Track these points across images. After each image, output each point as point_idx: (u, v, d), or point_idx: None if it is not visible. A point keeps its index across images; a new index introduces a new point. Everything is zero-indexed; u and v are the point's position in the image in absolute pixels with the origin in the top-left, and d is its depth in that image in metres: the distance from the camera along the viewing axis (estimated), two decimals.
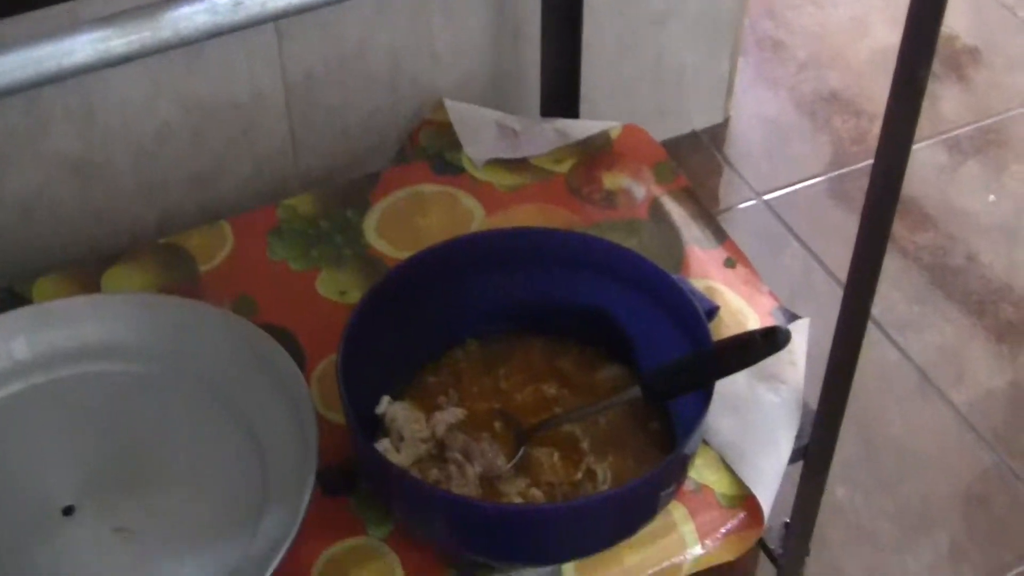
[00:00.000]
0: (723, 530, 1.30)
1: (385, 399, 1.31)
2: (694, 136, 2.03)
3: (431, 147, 1.67)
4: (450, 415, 1.31)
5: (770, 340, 1.22)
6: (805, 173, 1.99)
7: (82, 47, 1.16)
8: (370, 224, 1.56)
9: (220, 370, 1.35)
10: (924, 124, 2.04)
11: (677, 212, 1.57)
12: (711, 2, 1.89)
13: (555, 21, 1.63)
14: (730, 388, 1.33)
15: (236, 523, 1.24)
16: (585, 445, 1.31)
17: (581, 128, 1.68)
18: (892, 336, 1.76)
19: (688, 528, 1.28)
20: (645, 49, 1.87)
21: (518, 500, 1.26)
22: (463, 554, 1.23)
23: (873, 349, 1.73)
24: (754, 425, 1.35)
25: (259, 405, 1.32)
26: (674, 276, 1.34)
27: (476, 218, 1.57)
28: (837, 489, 1.58)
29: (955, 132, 2.07)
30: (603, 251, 1.36)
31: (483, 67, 1.74)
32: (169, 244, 1.53)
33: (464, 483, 1.25)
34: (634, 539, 1.25)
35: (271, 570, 1.16)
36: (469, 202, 1.59)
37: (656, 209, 1.58)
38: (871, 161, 1.12)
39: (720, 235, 1.55)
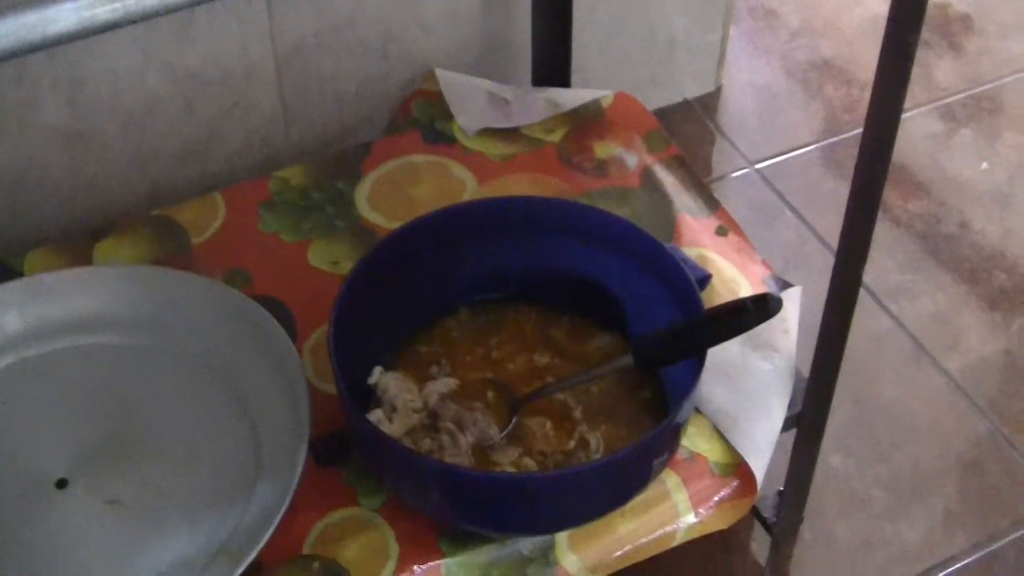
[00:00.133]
0: (716, 498, 1.30)
1: (377, 369, 1.31)
2: (686, 105, 2.03)
3: (422, 117, 1.66)
4: (442, 385, 1.31)
5: (761, 307, 1.22)
6: (797, 141, 1.99)
7: (66, 15, 1.15)
8: (362, 195, 1.56)
9: (212, 342, 1.35)
10: (917, 92, 2.04)
11: (669, 181, 1.57)
12: None
13: None
14: (723, 357, 1.33)
15: (229, 494, 1.24)
16: (578, 414, 1.31)
17: (572, 97, 1.67)
18: (885, 304, 1.76)
19: (681, 497, 1.28)
20: (637, 17, 1.86)
21: (511, 469, 1.26)
22: (456, 524, 1.23)
23: (866, 317, 1.73)
24: (747, 393, 1.35)
25: (251, 376, 1.32)
26: (666, 245, 1.34)
27: (468, 188, 1.57)
28: (831, 457, 1.58)
29: (948, 100, 2.06)
30: (595, 220, 1.36)
31: (474, 36, 1.73)
32: (161, 216, 1.53)
33: (457, 453, 1.25)
34: (627, 508, 1.25)
35: (263, 541, 1.16)
36: (461, 172, 1.58)
37: (648, 178, 1.58)
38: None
39: (712, 204, 1.55)
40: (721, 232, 1.51)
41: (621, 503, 1.23)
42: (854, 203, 1.17)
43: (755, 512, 1.50)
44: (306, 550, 1.22)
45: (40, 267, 1.46)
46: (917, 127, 2.01)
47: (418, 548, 1.23)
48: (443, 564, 1.22)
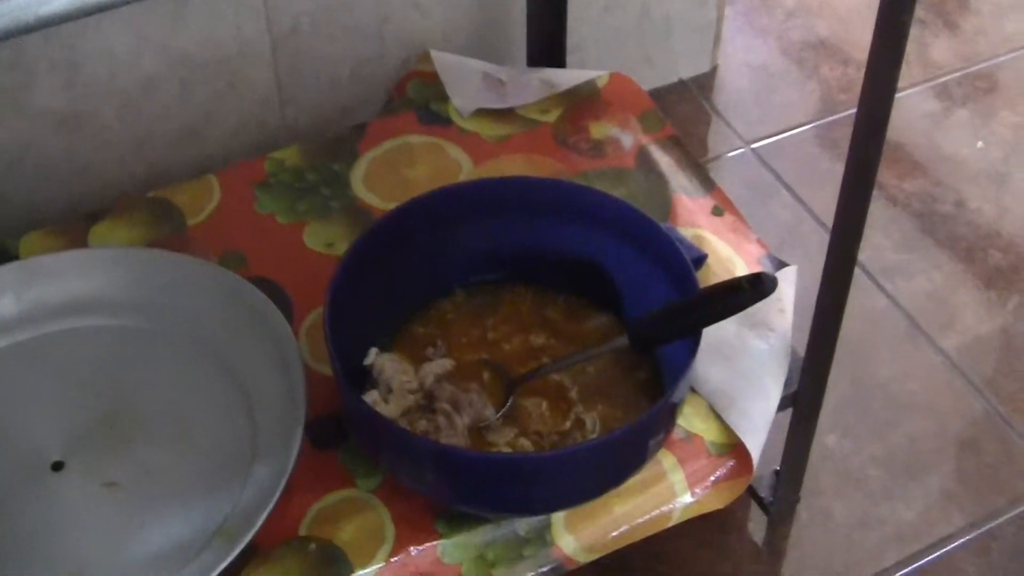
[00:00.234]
0: (712, 478, 1.30)
1: (373, 351, 1.31)
2: (681, 85, 2.02)
3: (418, 98, 1.66)
4: (438, 366, 1.31)
5: (756, 286, 1.22)
6: (793, 121, 1.98)
7: None
8: (357, 176, 1.55)
9: (208, 324, 1.35)
10: (913, 71, 2.04)
11: (665, 161, 1.57)
12: None
13: None
14: (718, 336, 1.33)
15: (225, 476, 1.24)
16: (573, 394, 1.31)
17: (568, 77, 1.67)
18: (881, 283, 1.76)
19: (678, 476, 1.28)
20: None
21: (507, 450, 1.26)
22: (452, 505, 1.24)
23: (862, 296, 1.73)
24: (743, 373, 1.35)
25: (248, 358, 1.32)
26: (662, 225, 1.34)
27: (464, 168, 1.56)
28: (827, 436, 1.58)
29: (944, 79, 2.06)
30: (591, 200, 1.36)
31: (469, 17, 1.73)
32: (156, 198, 1.53)
33: (453, 434, 1.25)
34: (623, 488, 1.25)
35: (260, 523, 1.16)
36: (456, 153, 1.58)
37: (644, 158, 1.57)
38: None
39: (708, 183, 1.55)
40: (717, 212, 1.51)
41: (617, 483, 1.24)
42: (849, 182, 1.17)
43: (751, 492, 1.50)
44: (302, 532, 1.22)
45: (36, 249, 1.46)
46: (913, 106, 2.01)
47: (414, 529, 1.23)
48: (439, 545, 1.23)
